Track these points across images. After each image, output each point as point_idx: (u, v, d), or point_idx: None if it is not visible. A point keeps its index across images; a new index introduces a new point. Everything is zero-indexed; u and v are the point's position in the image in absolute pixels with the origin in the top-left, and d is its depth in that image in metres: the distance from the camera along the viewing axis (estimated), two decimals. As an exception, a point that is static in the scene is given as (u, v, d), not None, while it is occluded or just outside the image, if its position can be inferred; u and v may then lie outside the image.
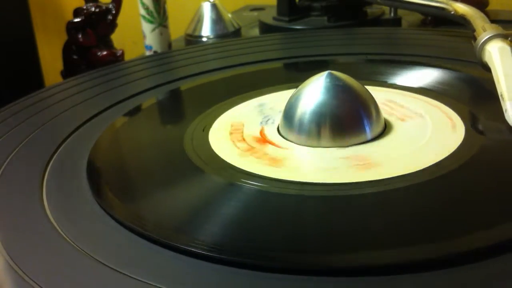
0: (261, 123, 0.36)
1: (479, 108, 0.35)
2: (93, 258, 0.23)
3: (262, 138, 0.34)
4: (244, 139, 0.34)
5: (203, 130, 0.35)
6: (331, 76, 0.32)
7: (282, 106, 0.34)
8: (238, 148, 0.33)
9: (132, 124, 0.38)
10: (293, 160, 0.31)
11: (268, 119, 0.36)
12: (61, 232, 0.26)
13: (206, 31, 0.64)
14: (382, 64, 0.44)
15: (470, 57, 0.39)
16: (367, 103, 0.33)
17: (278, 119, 0.35)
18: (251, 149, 0.33)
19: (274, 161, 0.31)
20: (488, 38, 0.37)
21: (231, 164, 0.30)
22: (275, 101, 0.39)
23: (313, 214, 0.26)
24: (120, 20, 0.58)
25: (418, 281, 0.21)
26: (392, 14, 0.61)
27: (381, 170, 0.29)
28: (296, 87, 0.34)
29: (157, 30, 0.58)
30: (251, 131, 0.35)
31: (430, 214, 0.25)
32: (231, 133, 0.35)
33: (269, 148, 0.32)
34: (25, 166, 0.32)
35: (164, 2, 0.58)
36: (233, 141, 0.34)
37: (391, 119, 0.34)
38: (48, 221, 0.27)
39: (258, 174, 0.29)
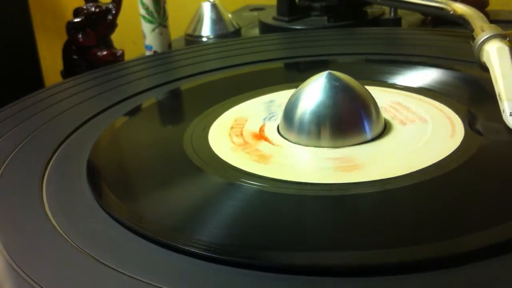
0: (264, 119, 0.36)
1: (478, 108, 0.35)
2: (93, 258, 0.23)
3: (259, 134, 0.34)
4: (242, 134, 0.34)
5: (203, 130, 0.35)
6: (330, 76, 0.32)
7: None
8: (234, 143, 0.33)
9: (132, 124, 0.38)
10: (281, 158, 0.31)
11: (272, 116, 0.36)
12: (61, 232, 0.26)
13: (206, 31, 0.64)
14: (382, 64, 0.44)
15: (470, 57, 0.39)
16: (367, 103, 0.33)
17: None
18: (244, 144, 0.33)
19: (262, 158, 0.31)
20: (487, 38, 0.37)
21: (222, 161, 0.31)
22: (281, 98, 0.39)
23: (311, 214, 0.26)
24: (120, 20, 0.58)
25: (418, 281, 0.21)
26: (392, 14, 0.61)
27: (380, 170, 0.29)
28: (296, 86, 0.34)
29: (157, 30, 0.58)
30: (252, 127, 0.35)
31: (429, 214, 0.25)
32: (232, 128, 0.35)
33: (261, 145, 0.33)
34: (25, 166, 0.32)
35: (164, 2, 0.58)
36: (231, 136, 0.34)
37: (390, 118, 0.34)
38: (48, 221, 0.27)
39: (251, 172, 0.29)
